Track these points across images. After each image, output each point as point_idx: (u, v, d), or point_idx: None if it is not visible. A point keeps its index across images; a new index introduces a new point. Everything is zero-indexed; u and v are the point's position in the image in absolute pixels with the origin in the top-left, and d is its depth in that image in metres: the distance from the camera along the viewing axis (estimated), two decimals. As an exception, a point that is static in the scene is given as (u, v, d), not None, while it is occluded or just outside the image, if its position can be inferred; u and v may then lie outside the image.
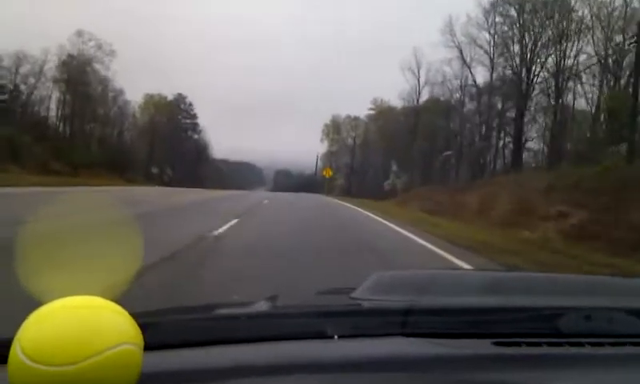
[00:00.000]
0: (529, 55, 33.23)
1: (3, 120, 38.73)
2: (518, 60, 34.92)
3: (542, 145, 37.37)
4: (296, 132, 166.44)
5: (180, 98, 69.19)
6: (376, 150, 60.58)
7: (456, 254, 8.08)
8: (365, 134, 65.98)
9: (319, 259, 6.72)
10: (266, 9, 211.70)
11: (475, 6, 39.65)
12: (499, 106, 40.06)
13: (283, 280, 4.98)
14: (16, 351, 0.62)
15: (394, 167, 52.53)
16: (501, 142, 39.68)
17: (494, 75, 39.42)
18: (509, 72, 37.41)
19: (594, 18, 30.43)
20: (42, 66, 48.06)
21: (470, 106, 45.21)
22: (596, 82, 32.52)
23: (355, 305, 1.10)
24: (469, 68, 41.18)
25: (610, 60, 30.06)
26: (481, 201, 18.55)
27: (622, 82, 29.11)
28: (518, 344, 0.92)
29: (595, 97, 32.60)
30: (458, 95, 45.34)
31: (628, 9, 29.71)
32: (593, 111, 32.56)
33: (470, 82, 42.78)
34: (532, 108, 35.89)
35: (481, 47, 39.80)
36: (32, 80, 47.73)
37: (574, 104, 34.67)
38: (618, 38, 29.05)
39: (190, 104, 70.56)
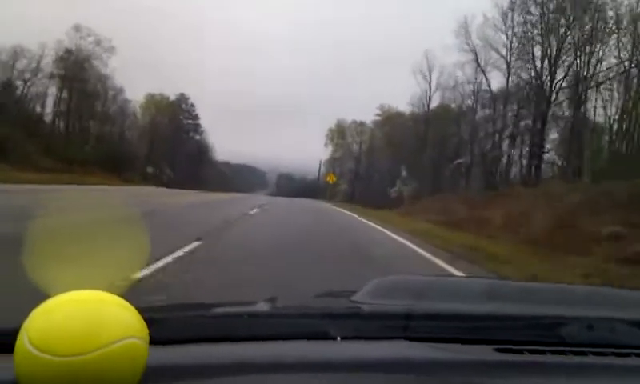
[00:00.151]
0: (552, 58, 30.61)
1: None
2: (539, 64, 32.33)
3: (554, 155, 35.06)
4: (300, 136, 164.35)
5: (182, 98, 67.08)
6: (382, 156, 58.11)
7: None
8: (371, 139, 63.55)
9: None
10: (270, 11, 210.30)
11: (492, 6, 36.92)
12: (512, 113, 37.59)
13: None
14: (23, 341, 0.63)
15: (402, 174, 49.94)
16: (516, 151, 37.12)
17: (510, 81, 36.94)
18: (526, 77, 34.88)
19: (623, 20, 27.90)
20: (39, 61, 46.20)
21: (481, 112, 42.78)
22: (620, 91, 30.03)
23: (357, 308, 1.08)
24: (483, 72, 38.71)
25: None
26: (506, 215, 16.07)
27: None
28: (521, 351, 0.91)
29: (615, 107, 30.27)
30: (469, 101, 42.88)
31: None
32: (612, 122, 30.20)
33: (483, 87, 40.34)
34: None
35: (497, 51, 37.33)
36: (28, 75, 45.88)
37: (594, 114, 32.19)
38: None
39: (192, 104, 68.52)
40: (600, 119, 32.50)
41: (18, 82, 45.43)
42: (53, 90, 47.65)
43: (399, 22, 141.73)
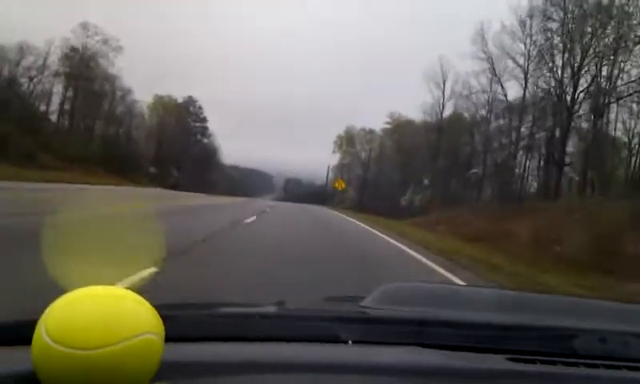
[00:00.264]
0: (575, 67, 29.01)
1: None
2: (559, 73, 30.75)
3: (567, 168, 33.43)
4: (309, 141, 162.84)
5: (190, 101, 65.96)
6: (391, 164, 56.63)
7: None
8: (380, 147, 62.10)
9: None
10: (281, 16, 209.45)
11: (510, 13, 35.44)
12: (528, 123, 36.05)
13: None
14: (41, 333, 0.63)
15: (413, 183, 48.45)
16: (532, 163, 35.58)
17: (527, 91, 35.41)
18: (545, 86, 33.29)
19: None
20: (45, 58, 45.15)
21: (495, 123, 41.29)
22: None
23: (367, 312, 1.08)
24: (499, 81, 37.21)
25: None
26: (535, 230, 14.54)
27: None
28: (533, 361, 0.91)
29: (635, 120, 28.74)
30: (483, 111, 41.36)
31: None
32: (631, 136, 28.67)
33: (498, 96, 38.83)
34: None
35: (513, 59, 35.82)
36: (34, 73, 44.83)
37: (615, 128, 30.63)
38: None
39: (200, 107, 67.36)
40: (619, 133, 31.14)
41: (24, 80, 44.55)
42: (59, 89, 46.76)
43: (411, 29, 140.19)
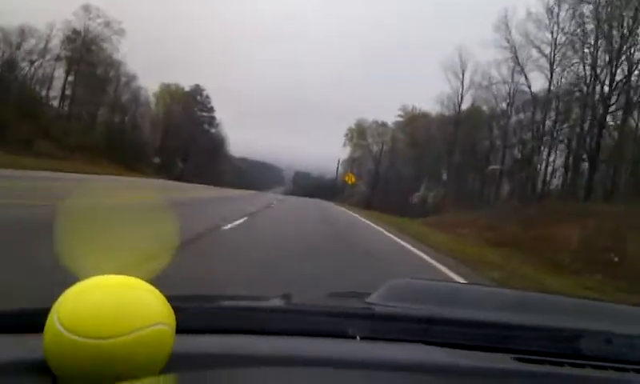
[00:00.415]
0: (614, 55, 26.10)
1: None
2: (592, 62, 27.92)
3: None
4: (319, 134, 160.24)
5: (197, 90, 63.61)
6: (404, 158, 53.89)
7: None
8: (392, 141, 59.31)
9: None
10: (293, 7, 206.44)
11: (536, 0, 32.60)
12: (551, 117, 33.25)
13: None
14: (53, 321, 0.63)
15: (426, 179, 45.67)
16: (556, 159, 32.78)
17: (553, 83, 32.61)
18: (573, 78, 30.46)
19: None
20: (47, 41, 42.98)
21: (515, 117, 38.50)
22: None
23: (374, 309, 1.06)
24: (523, 71, 34.38)
25: None
26: (585, 237, 11.93)
27: None
28: (540, 361, 0.90)
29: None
30: (503, 104, 38.52)
31: None
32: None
33: (520, 88, 36.02)
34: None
35: (538, 49, 32.98)
36: (35, 57, 42.69)
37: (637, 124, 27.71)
38: None
39: (208, 97, 64.96)
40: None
41: (24, 64, 42.40)
42: (61, 73, 44.59)
43: (427, 19, 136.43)
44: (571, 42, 30.10)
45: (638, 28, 25.12)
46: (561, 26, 31.34)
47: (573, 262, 10.35)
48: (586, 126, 28.99)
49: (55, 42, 42.98)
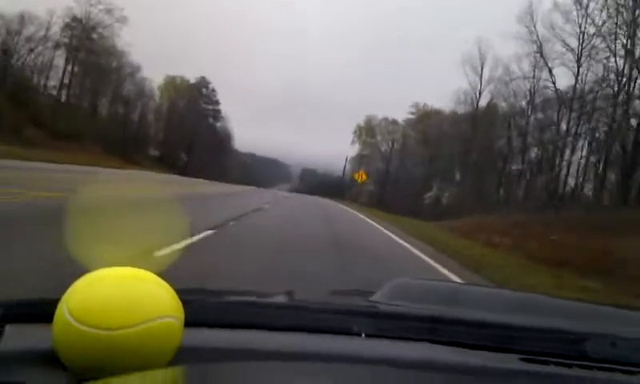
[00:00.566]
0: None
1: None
2: (627, 55, 25.15)
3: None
4: (327, 131, 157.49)
5: (203, 82, 61.01)
6: (415, 157, 51.06)
7: None
8: (403, 138, 56.45)
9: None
10: (300, 1, 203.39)
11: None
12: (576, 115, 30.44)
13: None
14: (63, 311, 0.63)
15: (439, 179, 42.82)
16: (588, 159, 29.95)
17: (580, 78, 29.81)
18: (603, 72, 27.62)
19: None
20: (47, 28, 40.51)
21: (537, 114, 35.67)
22: None
23: (379, 307, 1.07)
24: (547, 65, 31.57)
25: None
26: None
27: None
28: (546, 362, 0.89)
29: None
30: (523, 103, 35.69)
31: None
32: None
33: (543, 84, 33.20)
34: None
35: (564, 42, 30.19)
36: (34, 44, 40.21)
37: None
38: None
39: (213, 90, 62.32)
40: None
41: (23, 52, 39.96)
42: (60, 62, 42.11)
43: (439, 14, 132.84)
44: (601, 33, 27.30)
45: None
46: (590, 17, 28.61)
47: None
48: (615, 124, 26.31)
49: (55, 30, 40.68)
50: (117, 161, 37.15)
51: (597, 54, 28.38)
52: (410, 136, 55.21)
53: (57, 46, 40.68)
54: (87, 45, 41.04)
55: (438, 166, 44.09)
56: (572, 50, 30.40)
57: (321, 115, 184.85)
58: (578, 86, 30.28)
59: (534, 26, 31.35)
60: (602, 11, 27.95)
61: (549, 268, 9.38)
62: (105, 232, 4.36)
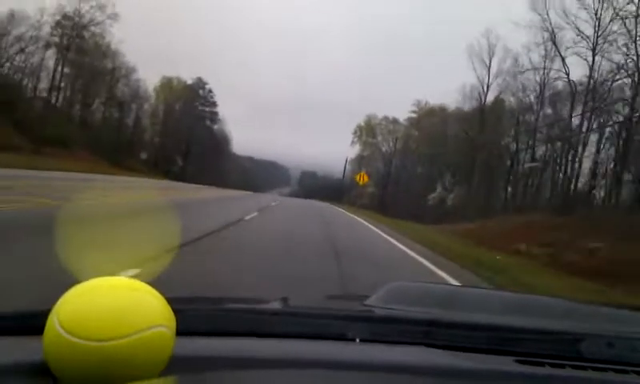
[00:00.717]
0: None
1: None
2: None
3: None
4: (327, 134, 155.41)
5: (199, 83, 58.76)
6: (417, 157, 48.90)
7: None
8: (405, 138, 54.27)
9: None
10: (299, 3, 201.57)
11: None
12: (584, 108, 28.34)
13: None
14: (53, 323, 0.62)
15: (443, 179, 40.60)
16: (608, 159, 27.85)
17: (595, 69, 27.68)
18: (620, 62, 25.50)
19: None
20: (38, 28, 38.45)
21: (547, 109, 33.63)
22: None
23: (374, 311, 1.06)
24: (560, 56, 29.49)
25: None
26: None
27: None
28: (541, 364, 0.89)
29: None
30: (532, 97, 33.63)
31: None
32: None
33: (554, 76, 31.13)
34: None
35: (578, 30, 28.06)
36: (23, 44, 38.14)
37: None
38: None
39: (210, 91, 60.07)
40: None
41: (12, 52, 37.89)
42: (50, 64, 40.00)
43: (438, 11, 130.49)
44: (620, 16, 25.18)
45: None
46: (607, 1, 26.50)
47: None
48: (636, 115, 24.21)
49: (47, 30, 38.61)
50: (107, 167, 35.06)
51: (615, 40, 26.39)
52: (411, 135, 53.09)
53: (47, 45, 38.64)
54: (78, 43, 38.95)
55: (442, 165, 41.96)
56: (587, 37, 28.39)
57: (321, 116, 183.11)
58: (593, 75, 28.35)
59: (547, 13, 29.35)
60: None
61: (596, 284, 7.22)
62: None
